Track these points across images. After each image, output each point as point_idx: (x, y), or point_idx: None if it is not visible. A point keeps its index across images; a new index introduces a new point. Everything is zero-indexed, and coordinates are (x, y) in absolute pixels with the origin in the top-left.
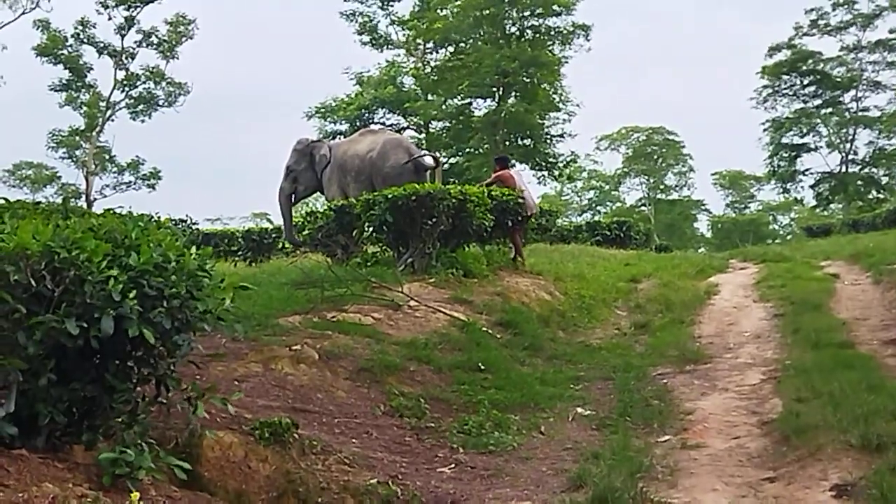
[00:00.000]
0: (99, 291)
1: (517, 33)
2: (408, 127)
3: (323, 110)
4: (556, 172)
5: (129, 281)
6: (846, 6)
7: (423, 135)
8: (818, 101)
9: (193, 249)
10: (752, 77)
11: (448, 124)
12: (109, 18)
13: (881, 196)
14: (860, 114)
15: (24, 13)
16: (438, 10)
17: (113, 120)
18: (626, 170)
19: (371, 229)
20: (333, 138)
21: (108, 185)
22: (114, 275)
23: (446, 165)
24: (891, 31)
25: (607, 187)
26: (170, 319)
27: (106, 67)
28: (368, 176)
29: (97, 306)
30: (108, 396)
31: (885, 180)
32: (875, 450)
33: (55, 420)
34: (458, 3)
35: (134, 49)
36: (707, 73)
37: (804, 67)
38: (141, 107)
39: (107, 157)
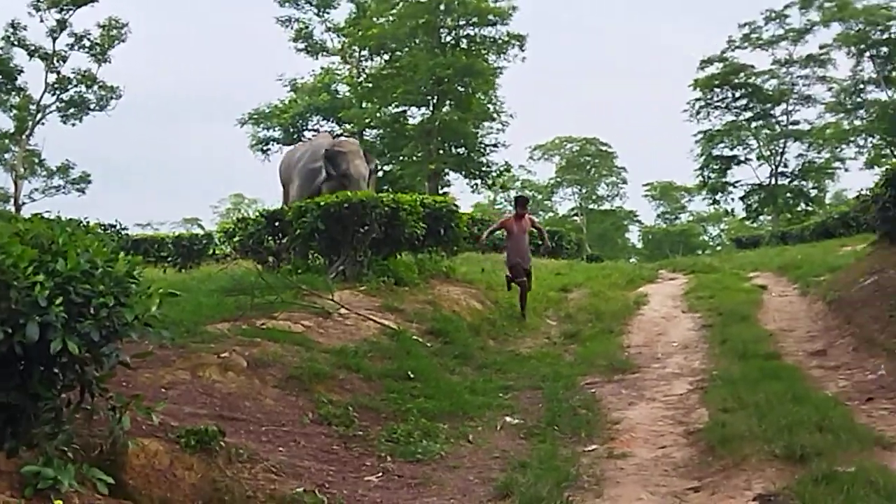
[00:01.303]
0: (24, 297)
1: (452, 42)
2: (342, 134)
3: (256, 116)
4: (490, 181)
5: (56, 287)
6: (778, 20)
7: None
8: (749, 114)
9: (122, 255)
10: (685, 89)
11: (382, 132)
12: (41, 21)
13: (810, 208)
14: (790, 127)
15: None
16: (374, 18)
17: (43, 123)
18: (559, 180)
19: (302, 236)
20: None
21: (37, 189)
22: (40, 281)
23: (380, 173)
24: (821, 47)
25: (540, 197)
26: (97, 330)
27: (37, 70)
28: None
29: (22, 312)
30: (32, 404)
31: (813, 193)
32: (799, 460)
33: None
34: (394, 11)
35: (65, 52)
36: (640, 86)
37: (736, 80)
38: (72, 110)
39: (36, 160)
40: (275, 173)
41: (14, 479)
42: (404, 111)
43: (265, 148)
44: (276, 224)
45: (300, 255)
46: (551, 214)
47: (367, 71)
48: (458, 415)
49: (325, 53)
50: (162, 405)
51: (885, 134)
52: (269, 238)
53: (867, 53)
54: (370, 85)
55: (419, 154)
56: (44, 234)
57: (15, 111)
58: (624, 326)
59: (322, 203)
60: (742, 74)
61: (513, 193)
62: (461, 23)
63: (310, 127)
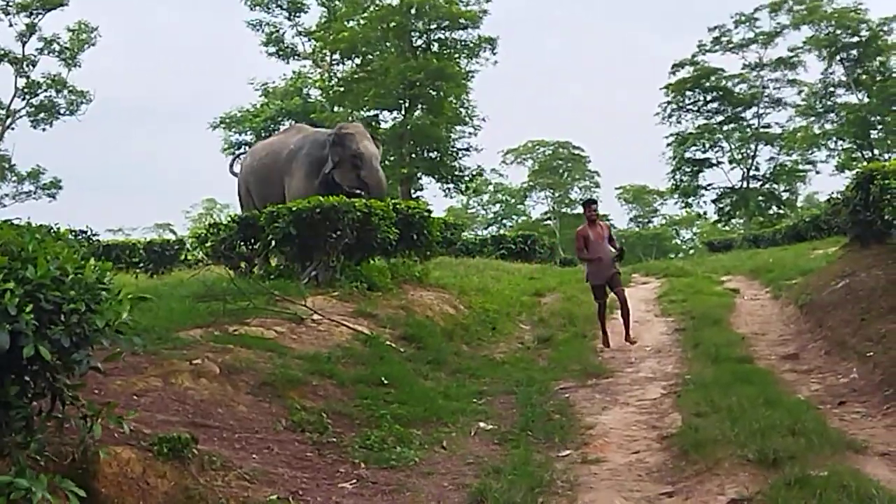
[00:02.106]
0: None
1: (424, 45)
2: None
3: (228, 121)
4: (462, 186)
5: (26, 295)
6: (748, 24)
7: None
8: (721, 117)
9: (92, 261)
10: (656, 92)
11: None
12: (10, 25)
13: (781, 212)
14: (761, 130)
15: None
16: (345, 22)
17: (13, 128)
18: (531, 183)
19: (274, 242)
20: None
21: (7, 195)
22: (10, 288)
23: None
24: (790, 50)
25: (513, 201)
26: (68, 337)
27: (6, 75)
28: None
29: None
30: (3, 412)
31: (785, 196)
32: (772, 465)
33: None
34: (365, 14)
35: (35, 56)
36: (612, 89)
37: (707, 84)
38: (42, 115)
39: (6, 166)
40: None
41: None
42: (376, 115)
43: (237, 152)
44: (249, 229)
45: (281, 256)
46: (524, 218)
47: (338, 75)
48: (431, 421)
49: (296, 57)
50: (133, 414)
51: (856, 137)
52: (242, 243)
53: (837, 56)
54: (342, 89)
55: (391, 158)
56: (13, 240)
57: None
58: (597, 331)
59: (294, 208)
60: (713, 78)
61: (485, 198)
62: (432, 26)
63: (282, 131)
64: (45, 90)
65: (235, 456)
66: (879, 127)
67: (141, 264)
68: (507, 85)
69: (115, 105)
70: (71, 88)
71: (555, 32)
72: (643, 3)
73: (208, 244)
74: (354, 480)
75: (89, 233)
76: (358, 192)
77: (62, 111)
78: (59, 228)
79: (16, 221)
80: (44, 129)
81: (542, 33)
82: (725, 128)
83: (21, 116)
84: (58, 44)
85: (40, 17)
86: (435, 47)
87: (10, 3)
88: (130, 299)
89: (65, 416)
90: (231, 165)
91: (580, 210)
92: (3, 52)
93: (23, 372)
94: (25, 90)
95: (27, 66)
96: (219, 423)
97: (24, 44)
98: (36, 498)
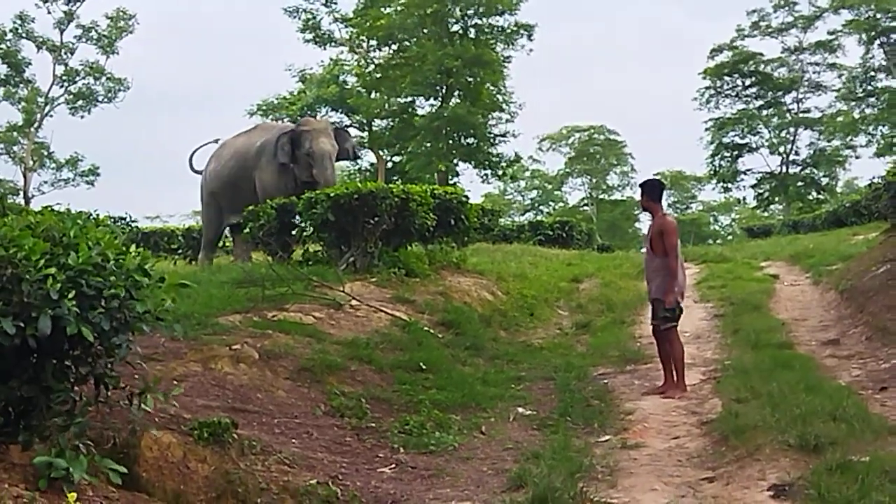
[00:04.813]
0: (37, 290)
1: (461, 32)
2: (351, 125)
3: (265, 107)
4: (500, 172)
5: (68, 280)
6: (787, 8)
7: (366, 133)
8: (760, 102)
9: (133, 248)
10: (694, 77)
11: (391, 123)
12: (49, 13)
13: (821, 197)
14: (801, 115)
15: None
16: (382, 8)
17: (51, 115)
18: (568, 170)
19: (312, 228)
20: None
21: (46, 182)
22: (52, 274)
23: (389, 164)
24: (830, 33)
25: (550, 187)
26: (108, 320)
27: (45, 62)
28: None
29: (35, 305)
30: (45, 396)
31: (825, 181)
32: (813, 450)
33: None
34: (402, 1)
35: (73, 44)
36: (648, 74)
37: (746, 68)
38: (80, 102)
39: (45, 153)
40: None
41: (28, 471)
42: (413, 101)
43: (198, 146)
44: (287, 216)
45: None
46: (561, 205)
47: (375, 61)
48: (470, 406)
49: (332, 44)
50: (178, 390)
51: None
52: (280, 229)
53: (877, 41)
54: (378, 75)
55: (427, 144)
56: (55, 226)
57: (23, 104)
58: (636, 316)
59: (332, 194)
60: (752, 62)
61: (522, 184)
62: (469, 13)
63: (245, 131)
64: (83, 78)
65: (275, 441)
66: None
67: (179, 251)
68: (543, 69)
69: (152, 90)
70: (109, 76)
71: (589, 15)
72: None
73: (246, 231)
74: (393, 465)
75: (128, 219)
76: (313, 185)
77: (100, 98)
78: (98, 215)
79: (56, 208)
80: (82, 117)
81: (576, 17)
82: (764, 113)
83: (59, 104)
84: (96, 31)
85: (78, 4)
86: (472, 34)
87: None
88: (171, 286)
89: (107, 401)
90: (191, 161)
91: (617, 196)
92: (41, 39)
93: (64, 357)
94: (64, 78)
95: (65, 53)
96: (258, 408)
97: (62, 31)
98: (76, 478)
